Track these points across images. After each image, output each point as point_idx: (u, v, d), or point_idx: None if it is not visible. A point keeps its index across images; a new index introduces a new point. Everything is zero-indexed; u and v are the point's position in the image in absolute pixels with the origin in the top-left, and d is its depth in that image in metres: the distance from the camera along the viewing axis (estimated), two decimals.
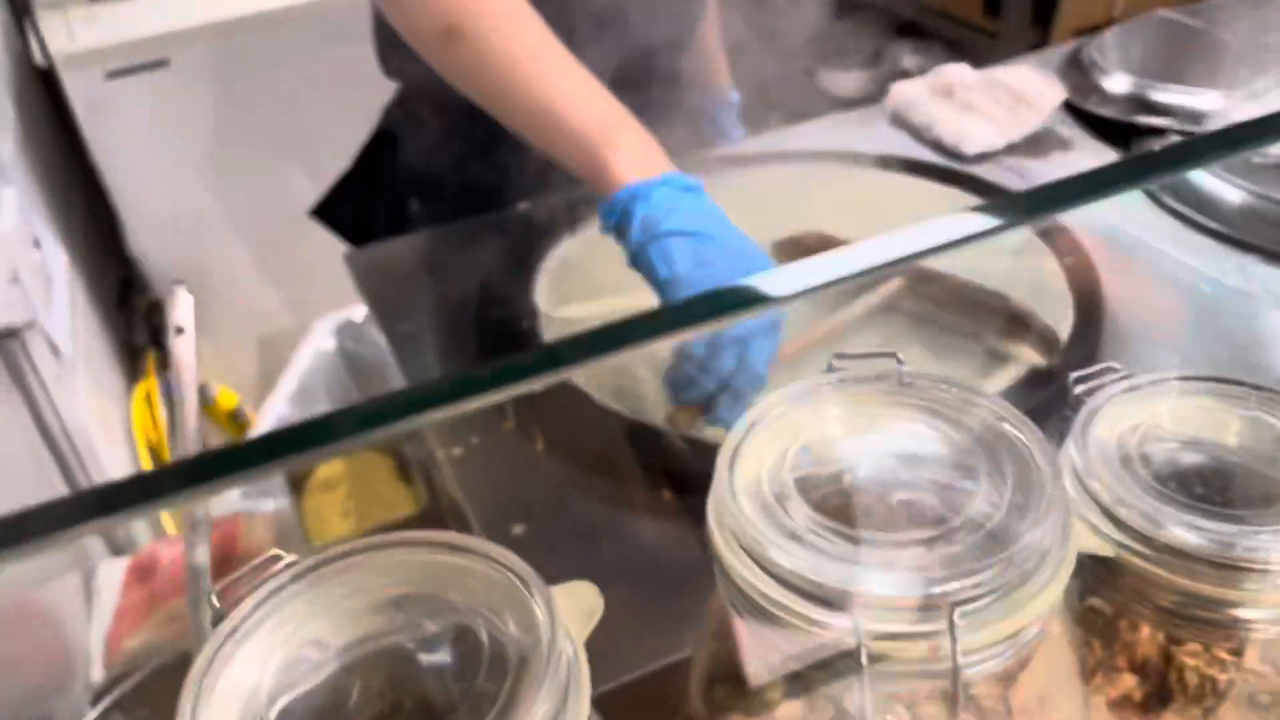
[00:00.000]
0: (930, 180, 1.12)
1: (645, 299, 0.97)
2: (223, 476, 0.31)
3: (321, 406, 1.84)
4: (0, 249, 1.07)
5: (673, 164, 0.84)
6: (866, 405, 0.47)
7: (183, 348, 1.20)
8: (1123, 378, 0.58)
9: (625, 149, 0.82)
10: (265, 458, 0.32)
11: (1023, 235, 1.02)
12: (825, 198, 1.12)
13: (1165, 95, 1.16)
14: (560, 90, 0.84)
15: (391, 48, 1.10)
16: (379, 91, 1.92)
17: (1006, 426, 0.44)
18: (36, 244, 1.18)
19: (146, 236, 1.87)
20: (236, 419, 2.00)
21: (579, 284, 1.03)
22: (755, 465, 0.42)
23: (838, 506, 0.42)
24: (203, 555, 0.93)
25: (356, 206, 1.26)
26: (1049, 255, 0.98)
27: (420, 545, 0.43)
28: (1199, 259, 1.01)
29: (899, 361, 0.48)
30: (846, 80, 2.91)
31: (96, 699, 0.92)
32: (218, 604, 0.41)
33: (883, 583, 0.39)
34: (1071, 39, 2.38)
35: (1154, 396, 0.55)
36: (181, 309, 1.26)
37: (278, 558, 0.43)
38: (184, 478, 0.32)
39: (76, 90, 1.71)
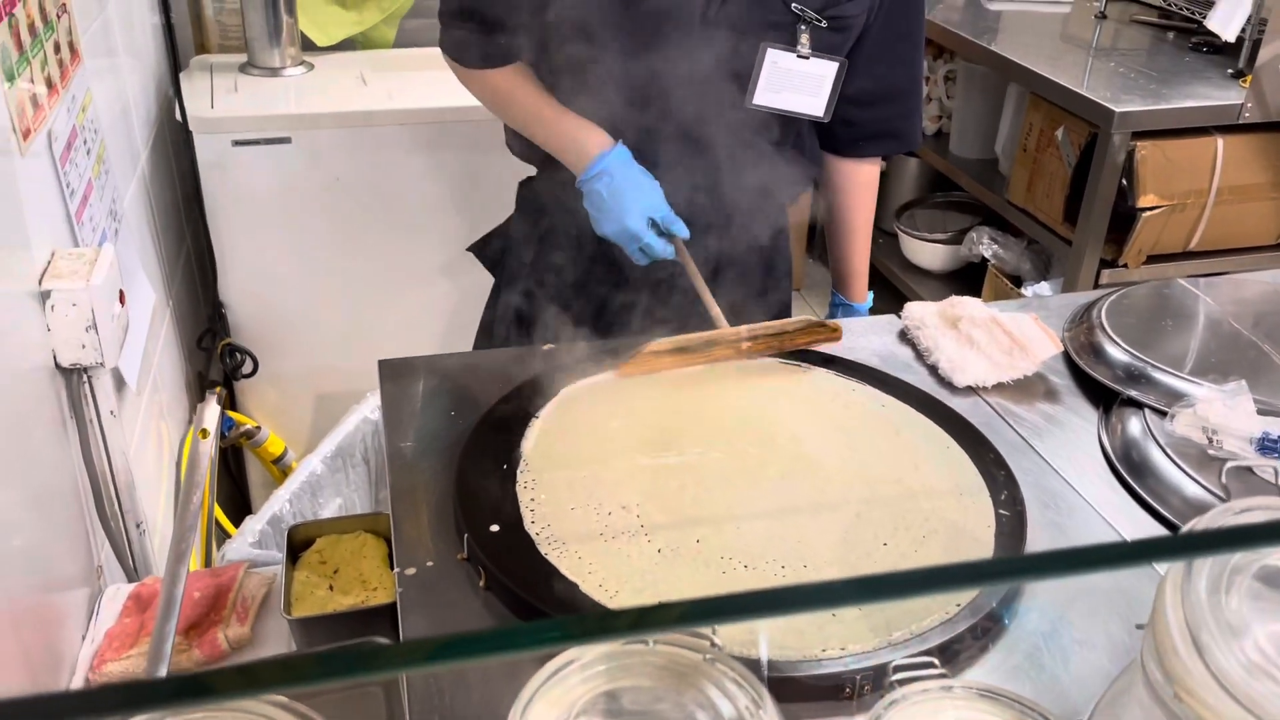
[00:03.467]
0: (905, 402, 1.20)
1: (614, 470, 1.08)
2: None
3: (354, 471, 1.97)
4: (85, 300, 1.23)
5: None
6: (673, 670, 0.56)
7: (203, 449, 1.34)
8: (940, 675, 0.65)
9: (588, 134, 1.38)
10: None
11: (970, 477, 1.09)
12: (796, 395, 1.21)
13: (1152, 371, 1.22)
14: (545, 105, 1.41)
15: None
16: (472, 189, 2.09)
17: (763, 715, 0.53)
18: (121, 297, 1.34)
19: (237, 286, 2.05)
20: (280, 464, 2.14)
21: (564, 439, 1.13)
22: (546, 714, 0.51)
23: None
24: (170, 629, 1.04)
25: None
26: (988, 500, 1.05)
27: (246, 711, 0.53)
28: (1135, 535, 1.06)
29: (713, 635, 0.57)
30: (925, 250, 3.00)
31: None
32: None
33: None
34: (1145, 261, 2.45)
35: (949, 702, 0.62)
36: (209, 415, 1.40)
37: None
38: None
39: (205, 151, 1.91)
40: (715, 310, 1.32)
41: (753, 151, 1.40)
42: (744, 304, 1.49)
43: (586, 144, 1.37)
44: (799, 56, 1.32)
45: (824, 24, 1.32)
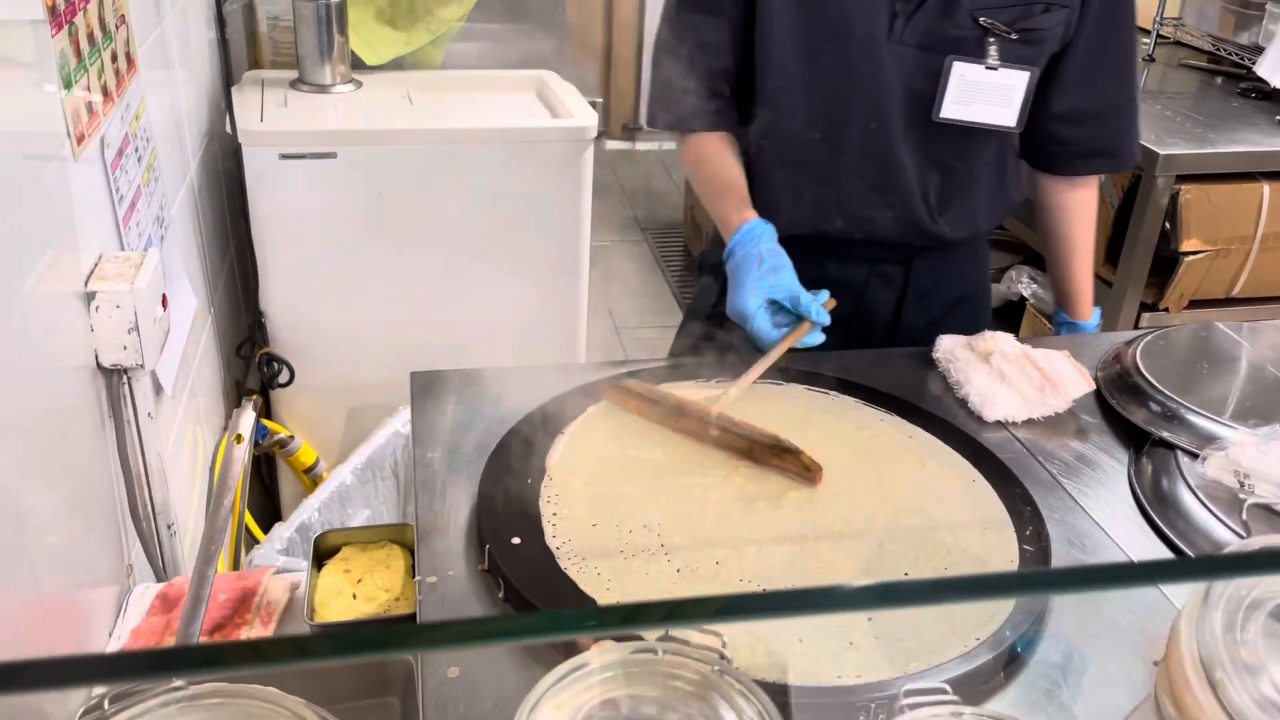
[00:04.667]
0: (933, 434, 1.20)
1: (638, 489, 1.08)
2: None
3: (383, 484, 1.99)
4: (129, 302, 1.26)
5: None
6: (681, 680, 0.56)
7: (237, 453, 1.36)
8: (951, 701, 0.65)
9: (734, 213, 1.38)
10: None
11: (995, 511, 1.08)
12: (823, 422, 1.21)
13: (1185, 414, 1.21)
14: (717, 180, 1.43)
15: None
16: (511, 208, 2.11)
17: None
18: (164, 301, 1.37)
19: (277, 296, 2.08)
20: (311, 474, 2.17)
21: (589, 456, 1.14)
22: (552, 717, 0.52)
23: None
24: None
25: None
26: (1012, 535, 1.05)
27: (256, 699, 0.53)
28: (1169, 586, 1.05)
29: (723, 649, 0.57)
30: None
31: (86, 713, 1.04)
32: (108, 706, 0.53)
33: None
34: (1186, 305, 2.42)
35: None
36: (245, 421, 1.42)
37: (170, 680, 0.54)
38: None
39: (252, 163, 1.95)
40: (735, 390, 1.22)
41: (949, 173, 1.40)
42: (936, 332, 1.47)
43: (729, 223, 1.36)
44: (987, 68, 1.31)
45: (1014, 36, 1.31)
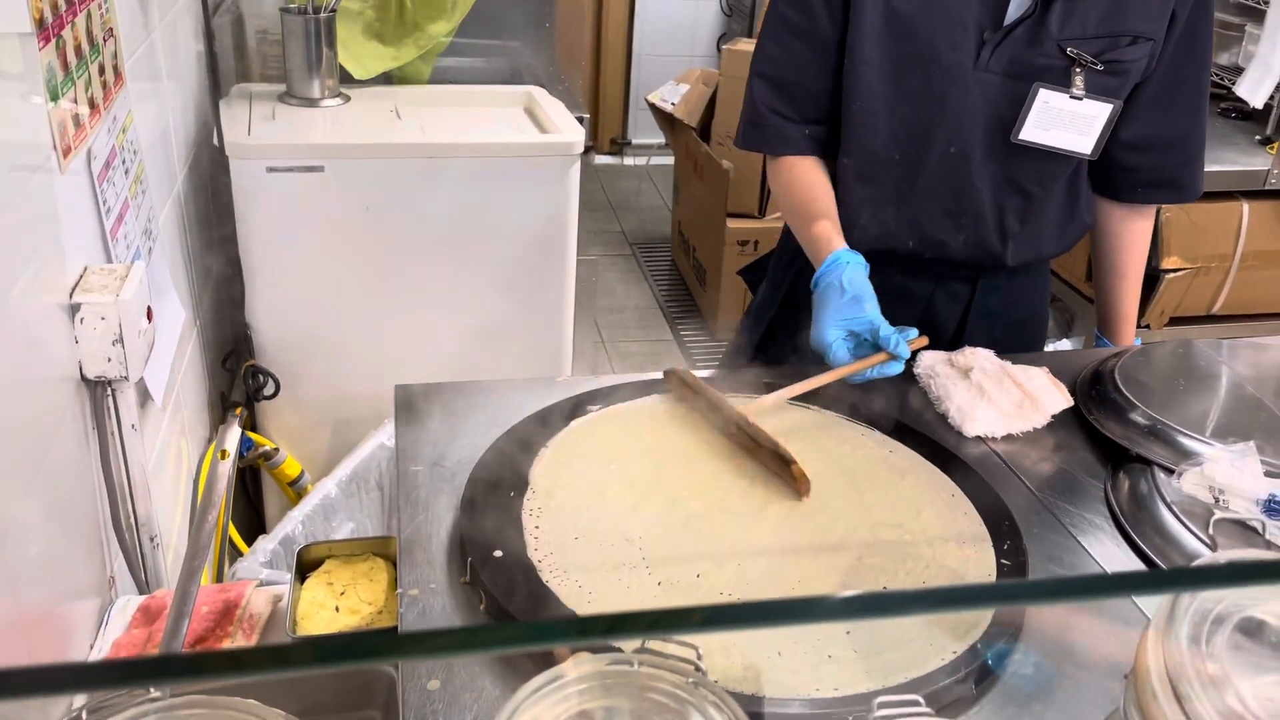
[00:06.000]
0: (913, 449, 1.21)
1: (620, 502, 1.09)
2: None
3: (367, 497, 1.99)
4: (114, 314, 1.26)
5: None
6: (655, 692, 0.57)
7: (222, 469, 1.36)
8: (924, 713, 0.65)
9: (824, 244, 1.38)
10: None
11: (974, 526, 1.09)
12: (805, 436, 1.22)
13: (1162, 430, 1.22)
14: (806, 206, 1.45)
15: None
16: (496, 222, 2.12)
17: None
18: (149, 313, 1.38)
19: (264, 309, 2.08)
20: (295, 486, 2.16)
21: (573, 469, 1.14)
22: None
23: None
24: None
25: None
26: (990, 549, 1.06)
27: (236, 710, 0.54)
28: (1144, 601, 1.06)
29: (698, 660, 0.58)
30: None
31: None
32: (85, 717, 0.53)
33: None
34: (1168, 322, 2.44)
35: None
36: (230, 436, 1.42)
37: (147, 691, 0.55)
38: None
39: (239, 175, 1.95)
40: (771, 398, 1.25)
41: (1024, 199, 1.43)
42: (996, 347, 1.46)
43: (818, 253, 1.37)
44: (1072, 97, 1.33)
45: (1099, 67, 1.32)
